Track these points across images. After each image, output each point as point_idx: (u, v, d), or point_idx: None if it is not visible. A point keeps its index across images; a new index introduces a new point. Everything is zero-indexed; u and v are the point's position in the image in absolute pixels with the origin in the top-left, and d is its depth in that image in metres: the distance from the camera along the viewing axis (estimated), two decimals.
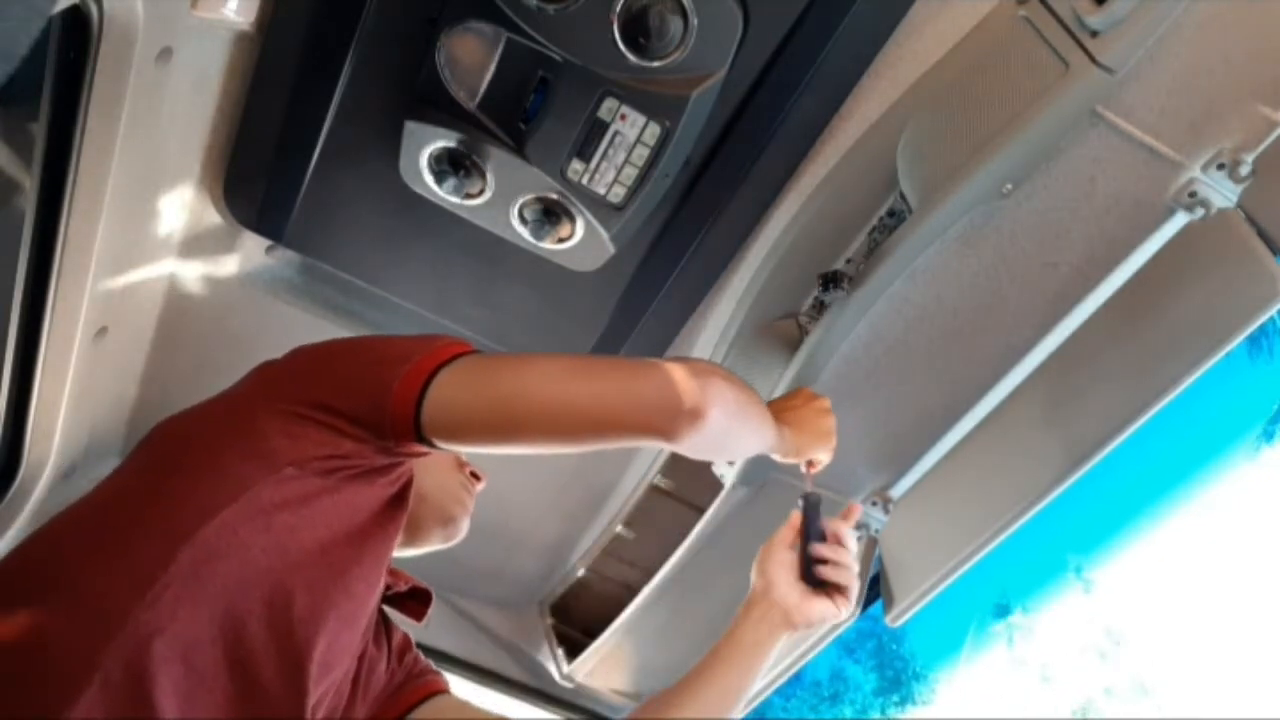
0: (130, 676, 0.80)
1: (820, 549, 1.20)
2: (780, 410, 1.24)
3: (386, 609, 1.21)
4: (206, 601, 0.84)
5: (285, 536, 0.89)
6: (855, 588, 1.21)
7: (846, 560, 1.20)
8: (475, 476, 1.27)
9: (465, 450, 1.04)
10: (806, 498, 1.26)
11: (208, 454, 0.93)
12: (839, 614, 1.19)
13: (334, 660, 0.95)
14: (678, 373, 0.96)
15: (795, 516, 1.24)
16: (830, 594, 1.18)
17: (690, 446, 0.96)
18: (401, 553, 1.21)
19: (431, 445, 0.95)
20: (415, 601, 1.22)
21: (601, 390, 0.95)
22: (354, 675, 1.05)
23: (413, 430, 0.93)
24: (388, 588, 1.17)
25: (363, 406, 0.94)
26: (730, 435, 1.02)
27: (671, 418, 0.94)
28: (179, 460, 0.93)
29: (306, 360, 1.02)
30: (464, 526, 1.23)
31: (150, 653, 0.81)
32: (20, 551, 0.89)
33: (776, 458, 1.24)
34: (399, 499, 1.02)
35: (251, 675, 0.86)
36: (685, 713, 1.12)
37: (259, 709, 0.87)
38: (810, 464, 1.30)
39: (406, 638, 1.22)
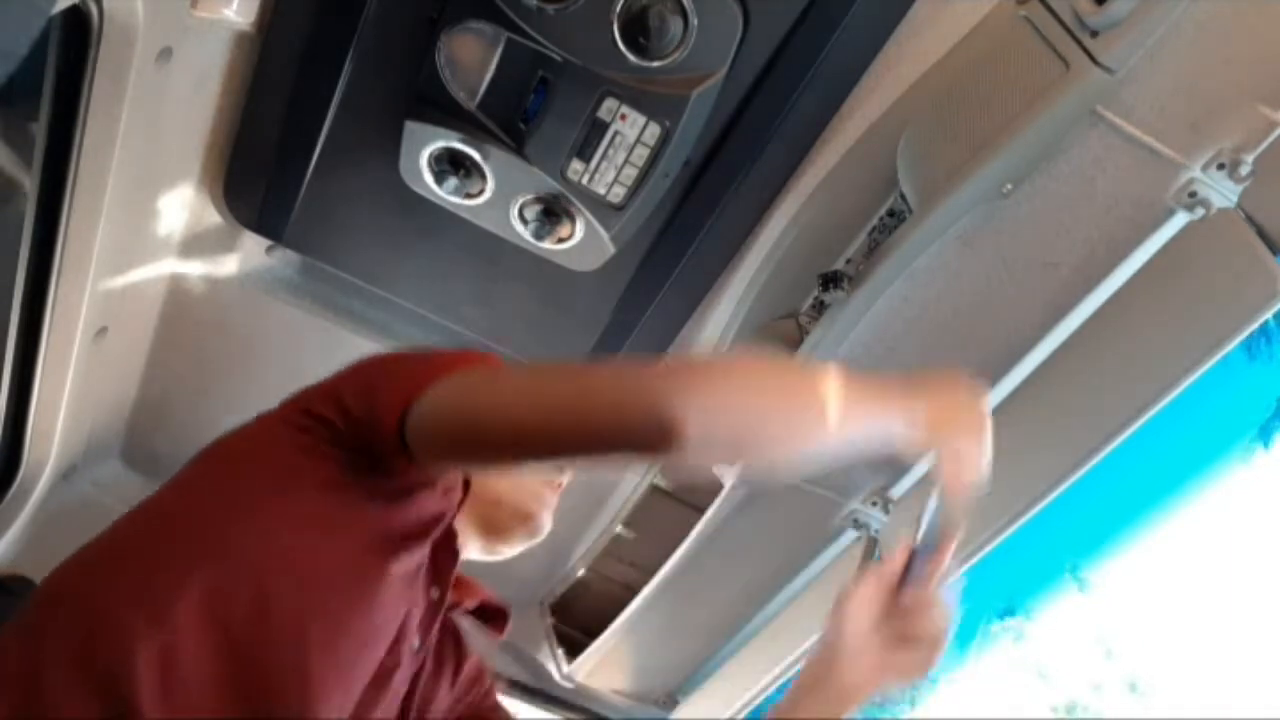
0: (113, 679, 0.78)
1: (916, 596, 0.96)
2: (914, 388, 0.94)
3: (464, 625, 1.17)
4: (217, 619, 0.82)
5: (298, 556, 0.87)
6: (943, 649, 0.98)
7: (941, 620, 0.97)
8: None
9: (448, 470, 0.97)
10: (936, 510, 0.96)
11: (230, 471, 0.93)
12: (912, 678, 0.99)
13: (352, 680, 0.92)
14: (656, 388, 0.81)
15: (899, 556, 0.99)
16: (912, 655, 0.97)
17: (688, 463, 0.81)
18: (489, 558, 1.17)
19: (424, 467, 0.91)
20: (488, 618, 1.18)
21: (567, 412, 0.84)
22: (409, 692, 1.02)
23: (399, 448, 0.88)
24: (454, 604, 1.14)
25: (360, 423, 0.91)
26: (745, 449, 0.86)
27: (647, 442, 0.80)
28: (204, 478, 0.94)
29: (332, 377, 1.00)
30: (546, 522, 1.14)
31: (140, 658, 0.79)
32: (66, 565, 0.89)
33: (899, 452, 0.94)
34: (433, 518, 0.99)
35: (256, 693, 0.83)
36: None
37: None
38: (949, 478, 0.98)
39: (480, 667, 1.17)
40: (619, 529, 2.01)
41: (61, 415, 1.52)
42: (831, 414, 0.86)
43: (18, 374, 1.43)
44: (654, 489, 1.94)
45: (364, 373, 0.98)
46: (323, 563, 0.90)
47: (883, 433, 0.91)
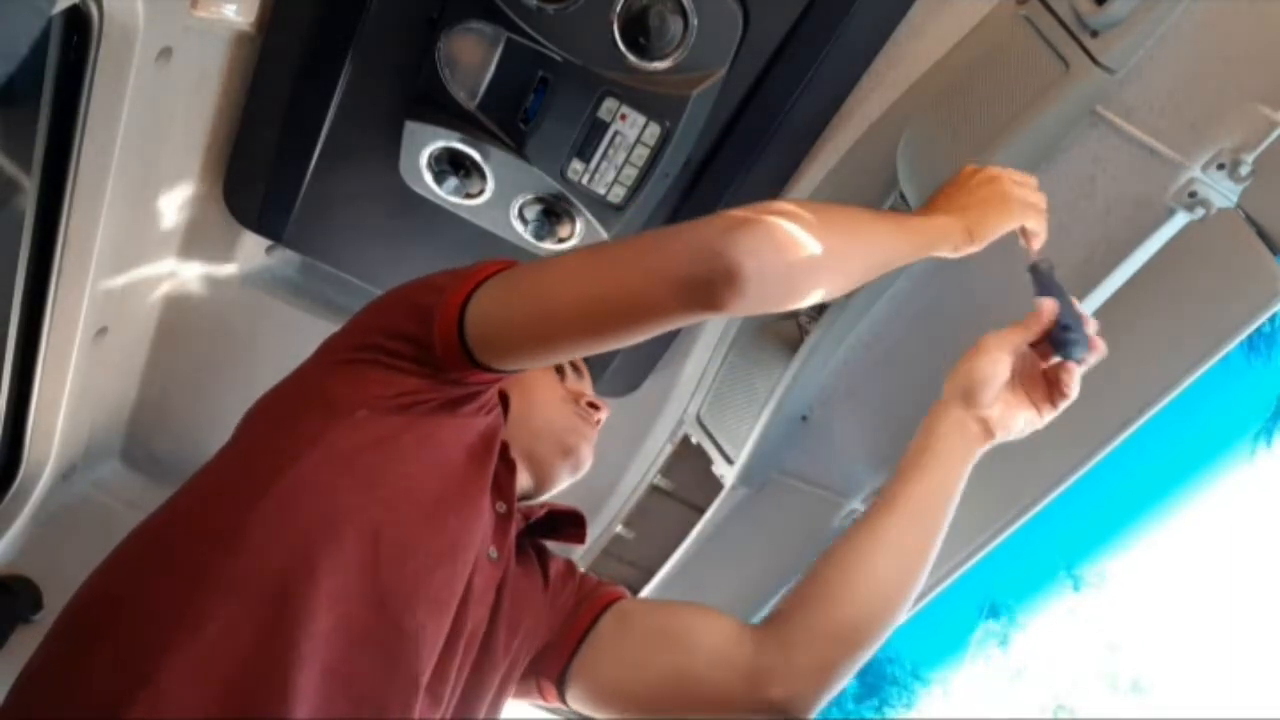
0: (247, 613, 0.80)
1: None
2: (939, 201, 1.13)
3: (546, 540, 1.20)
4: (291, 540, 0.83)
5: (371, 475, 0.88)
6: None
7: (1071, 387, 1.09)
8: (594, 406, 1.24)
9: (521, 366, 1.00)
10: (1034, 267, 1.10)
11: (276, 420, 0.95)
12: (1041, 422, 1.12)
13: (438, 595, 0.91)
14: (704, 232, 0.87)
15: (1045, 313, 1.10)
16: (1043, 399, 1.10)
17: (755, 306, 0.88)
18: (539, 497, 1.20)
19: (488, 369, 0.95)
20: (565, 525, 1.21)
21: (622, 276, 0.90)
22: (493, 606, 1.03)
23: (462, 354, 0.94)
24: (526, 517, 1.16)
25: (414, 340, 0.94)
26: (805, 275, 0.91)
27: (705, 288, 0.84)
28: (251, 434, 0.96)
29: (357, 316, 1.05)
30: (586, 455, 1.20)
31: (238, 592, 0.80)
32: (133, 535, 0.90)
33: (950, 255, 1.10)
34: (491, 429, 1.01)
35: (346, 612, 0.83)
36: (885, 530, 1.07)
37: (359, 642, 0.84)
38: (1024, 235, 1.15)
39: (568, 563, 1.20)
40: (619, 529, 2.01)
41: (61, 415, 1.52)
42: (920, 240, 1.05)
43: (18, 374, 1.44)
44: (654, 489, 1.94)
45: (402, 297, 1.02)
46: (416, 478, 0.92)
47: (905, 256, 1.05)
